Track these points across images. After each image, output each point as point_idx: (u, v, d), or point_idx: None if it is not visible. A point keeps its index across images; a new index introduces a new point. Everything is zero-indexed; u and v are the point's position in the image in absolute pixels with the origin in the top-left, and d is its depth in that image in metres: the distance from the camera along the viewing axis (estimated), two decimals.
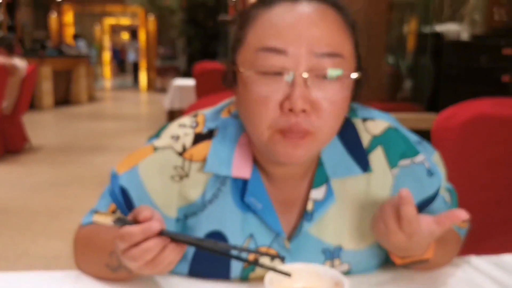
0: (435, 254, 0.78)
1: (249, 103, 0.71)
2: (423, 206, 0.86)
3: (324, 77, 0.69)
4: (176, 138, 0.83)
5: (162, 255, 0.66)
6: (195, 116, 0.87)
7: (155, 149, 0.83)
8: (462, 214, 0.67)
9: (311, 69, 0.69)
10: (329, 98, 0.70)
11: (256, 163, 0.82)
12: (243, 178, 0.80)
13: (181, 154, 0.81)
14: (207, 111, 0.88)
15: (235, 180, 0.81)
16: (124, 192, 0.82)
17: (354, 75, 0.72)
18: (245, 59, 0.73)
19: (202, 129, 0.84)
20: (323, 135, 0.72)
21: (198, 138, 0.82)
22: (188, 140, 0.82)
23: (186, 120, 0.87)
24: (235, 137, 0.82)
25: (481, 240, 1.34)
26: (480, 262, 0.93)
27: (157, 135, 0.87)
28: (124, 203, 0.82)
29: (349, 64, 0.72)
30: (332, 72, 0.69)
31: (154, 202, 0.81)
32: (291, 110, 0.68)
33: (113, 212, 0.84)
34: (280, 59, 0.68)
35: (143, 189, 0.81)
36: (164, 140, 0.84)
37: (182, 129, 0.84)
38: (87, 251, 0.84)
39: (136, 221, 0.67)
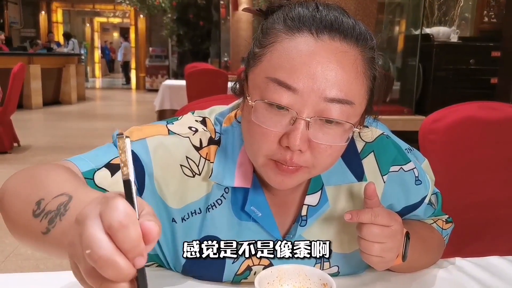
0: (413, 251, 0.80)
1: (250, 129, 0.71)
2: (406, 211, 0.89)
3: (327, 122, 0.68)
4: (195, 130, 0.82)
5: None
6: (206, 117, 0.86)
7: (170, 132, 0.80)
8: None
9: (316, 113, 0.67)
10: (328, 142, 0.69)
11: (256, 172, 0.81)
12: (245, 187, 0.80)
13: (197, 149, 0.80)
14: (216, 114, 0.87)
15: (236, 189, 0.81)
16: (134, 155, 0.77)
17: (357, 129, 0.71)
18: (255, 83, 0.71)
19: (213, 133, 0.83)
20: (317, 169, 0.72)
21: (211, 141, 0.82)
22: (205, 138, 0.82)
23: (198, 117, 0.85)
24: (237, 148, 0.81)
25: (468, 242, 1.36)
26: (465, 264, 0.95)
27: (170, 121, 0.84)
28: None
29: (358, 110, 0.70)
30: (337, 122, 0.67)
31: (153, 180, 0.77)
32: (288, 147, 0.68)
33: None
34: (289, 96, 0.66)
35: (149, 163, 0.77)
36: (181, 128, 0.82)
37: (200, 125, 0.83)
38: (22, 190, 0.70)
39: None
